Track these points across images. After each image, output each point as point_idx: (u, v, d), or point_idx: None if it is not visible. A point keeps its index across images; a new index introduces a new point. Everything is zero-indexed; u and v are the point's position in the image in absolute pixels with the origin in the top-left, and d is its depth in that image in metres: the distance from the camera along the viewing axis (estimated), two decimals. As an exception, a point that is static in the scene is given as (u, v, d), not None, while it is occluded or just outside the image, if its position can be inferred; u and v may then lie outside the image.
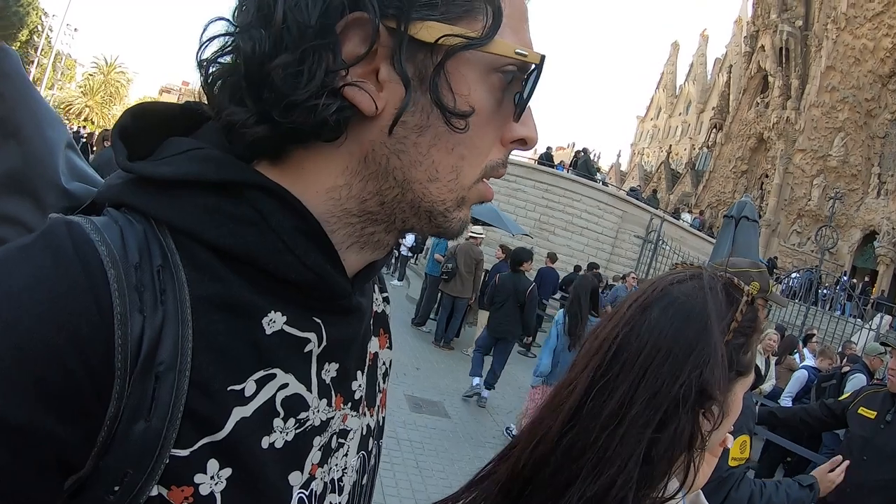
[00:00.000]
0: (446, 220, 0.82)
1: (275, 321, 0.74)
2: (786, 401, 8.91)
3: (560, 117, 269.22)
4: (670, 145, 73.92)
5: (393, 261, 25.39)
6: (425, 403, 9.19)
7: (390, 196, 0.78)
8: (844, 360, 10.14)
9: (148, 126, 0.79)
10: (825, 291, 26.12)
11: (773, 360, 10.12)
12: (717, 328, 1.11)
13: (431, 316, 14.94)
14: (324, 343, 0.81)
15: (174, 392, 0.64)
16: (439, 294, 14.20)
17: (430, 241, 27.89)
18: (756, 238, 6.95)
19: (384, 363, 1.08)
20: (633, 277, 16.74)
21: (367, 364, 0.98)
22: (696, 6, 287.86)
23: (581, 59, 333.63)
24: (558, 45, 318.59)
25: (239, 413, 0.70)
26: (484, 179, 0.85)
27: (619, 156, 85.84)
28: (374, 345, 1.02)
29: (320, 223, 0.76)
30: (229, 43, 0.73)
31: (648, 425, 1.03)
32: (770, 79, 47.71)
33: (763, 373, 9.31)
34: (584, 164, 26.45)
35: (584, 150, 27.70)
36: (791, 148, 43.43)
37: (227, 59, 0.73)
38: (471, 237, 13.96)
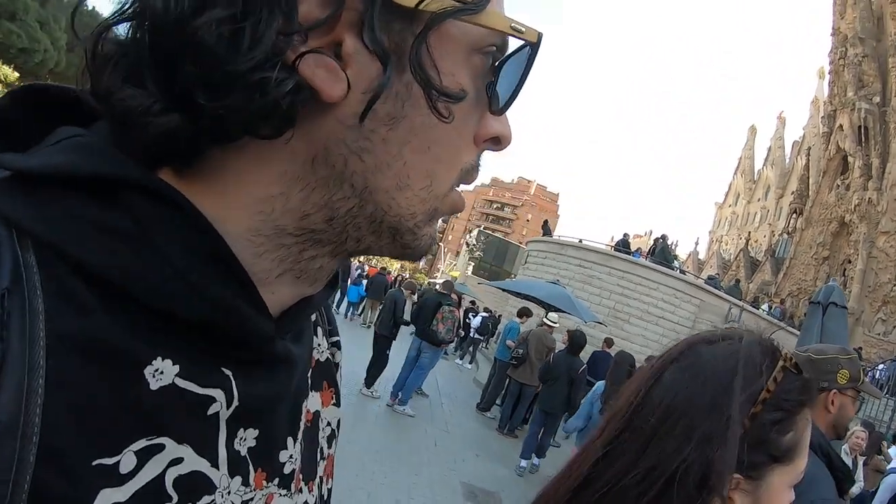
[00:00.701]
0: (414, 238, 0.66)
1: (163, 372, 0.54)
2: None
3: (637, 205, 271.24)
4: (749, 232, 72.11)
5: (463, 343, 25.59)
6: (481, 493, 8.95)
7: (343, 209, 0.60)
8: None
9: (37, 114, 0.59)
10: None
11: (860, 459, 9.40)
12: (738, 397, 0.96)
13: (498, 402, 14.70)
14: (235, 403, 0.60)
15: (14, 465, 0.43)
16: (507, 380, 13.98)
17: (501, 326, 28.13)
18: (845, 326, 6.50)
19: (329, 424, 0.88)
20: None
21: (301, 427, 0.76)
22: (773, 89, 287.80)
23: (659, 145, 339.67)
24: (637, 133, 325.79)
25: (109, 497, 0.50)
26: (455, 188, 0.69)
27: (696, 244, 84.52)
28: (313, 402, 0.82)
29: (239, 243, 0.57)
30: (128, 4, 0.54)
31: (639, 500, 0.93)
32: (850, 159, 45.66)
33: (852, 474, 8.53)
34: (661, 252, 26.29)
35: (663, 237, 27.39)
36: (874, 231, 41.36)
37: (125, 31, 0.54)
38: (545, 324, 13.78)
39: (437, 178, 0.63)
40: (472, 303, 33.41)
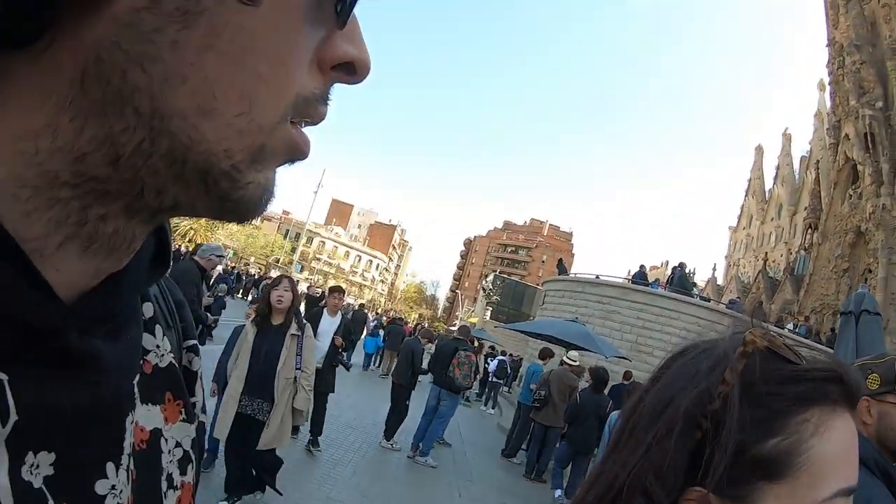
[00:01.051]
0: (235, 187, 0.46)
1: None
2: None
3: (652, 237, 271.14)
4: (766, 253, 71.33)
5: (481, 386, 25.36)
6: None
7: (130, 145, 0.41)
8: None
9: None
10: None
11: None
12: (689, 392, 0.82)
13: (523, 447, 14.40)
14: (13, 417, 0.40)
15: None
16: (532, 424, 13.75)
17: (523, 369, 28.00)
18: (881, 333, 5.97)
19: (179, 445, 0.65)
20: None
21: (132, 449, 0.54)
22: (776, 108, 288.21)
23: (669, 175, 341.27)
24: (646, 164, 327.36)
25: None
26: (295, 123, 0.49)
27: (714, 269, 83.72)
28: (148, 418, 0.59)
29: None
30: None
31: None
32: (859, 167, 45.04)
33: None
34: (679, 280, 26.00)
35: (680, 266, 27.02)
36: (892, 237, 40.64)
37: None
38: (565, 364, 13.64)
39: (259, 103, 0.44)
40: (492, 347, 33.21)
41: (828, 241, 48.45)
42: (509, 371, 26.16)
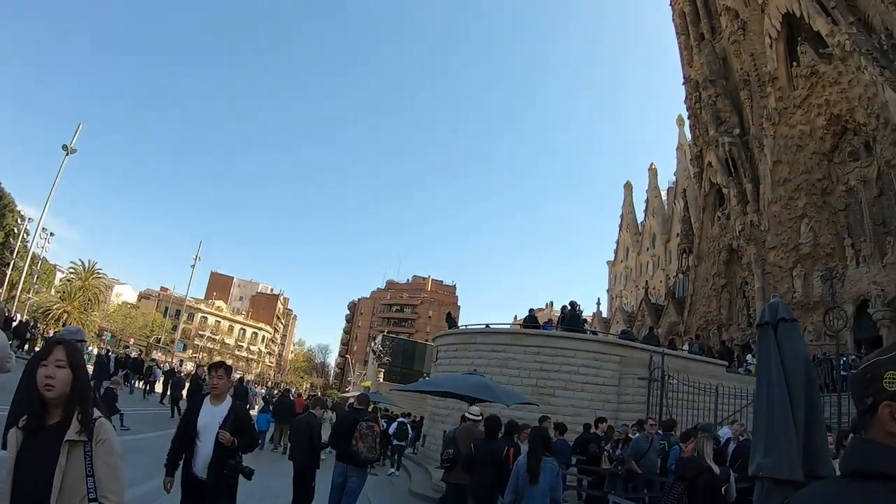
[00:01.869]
0: None
1: None
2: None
3: (534, 280, 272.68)
4: (646, 281, 73.57)
5: (386, 452, 24.21)
6: None
7: None
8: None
9: None
10: (844, 374, 24.98)
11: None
12: None
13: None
14: None
15: None
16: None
17: (426, 428, 26.92)
18: (800, 337, 5.92)
19: None
20: (651, 424, 15.06)
21: None
22: (640, 146, 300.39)
23: (543, 219, 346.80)
24: (519, 211, 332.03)
25: None
26: None
27: (598, 304, 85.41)
28: None
29: None
30: None
31: None
32: (725, 190, 48.11)
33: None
34: (571, 319, 25.75)
35: (571, 304, 26.82)
36: (762, 249, 43.34)
37: None
38: (468, 418, 13.04)
39: None
40: (387, 410, 32.06)
41: (703, 262, 50.90)
42: (410, 432, 25.14)
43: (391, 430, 23.77)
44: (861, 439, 1.72)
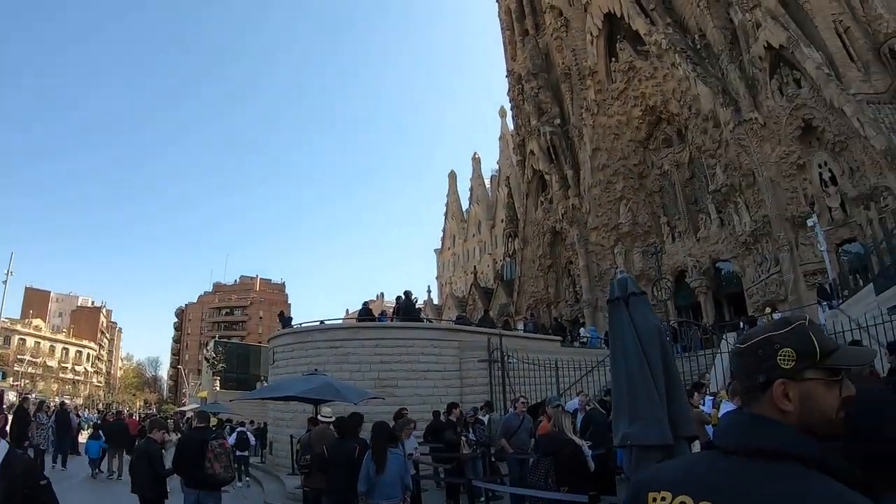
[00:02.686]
0: None
1: None
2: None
3: (363, 271, 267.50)
4: (474, 266, 74.79)
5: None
6: None
7: None
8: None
9: None
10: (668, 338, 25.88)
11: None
12: None
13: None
14: None
15: None
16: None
17: (270, 435, 25.23)
18: (651, 309, 5.89)
19: None
20: (523, 402, 14.37)
21: None
22: (464, 136, 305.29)
23: (368, 210, 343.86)
24: (342, 206, 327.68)
25: None
26: None
27: (429, 291, 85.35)
28: None
29: None
30: None
31: None
32: (547, 177, 49.99)
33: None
34: (407, 309, 24.97)
35: (406, 294, 26.08)
36: (584, 230, 45.46)
37: None
38: (321, 421, 12.45)
39: None
40: (228, 420, 29.97)
41: (529, 245, 52.62)
42: (252, 440, 23.31)
43: (231, 441, 21.93)
44: (759, 416, 1.64)
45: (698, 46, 40.18)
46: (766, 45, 34.95)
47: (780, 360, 1.65)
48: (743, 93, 35.61)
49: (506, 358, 21.46)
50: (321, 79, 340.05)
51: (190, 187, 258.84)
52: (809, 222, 30.09)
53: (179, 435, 23.85)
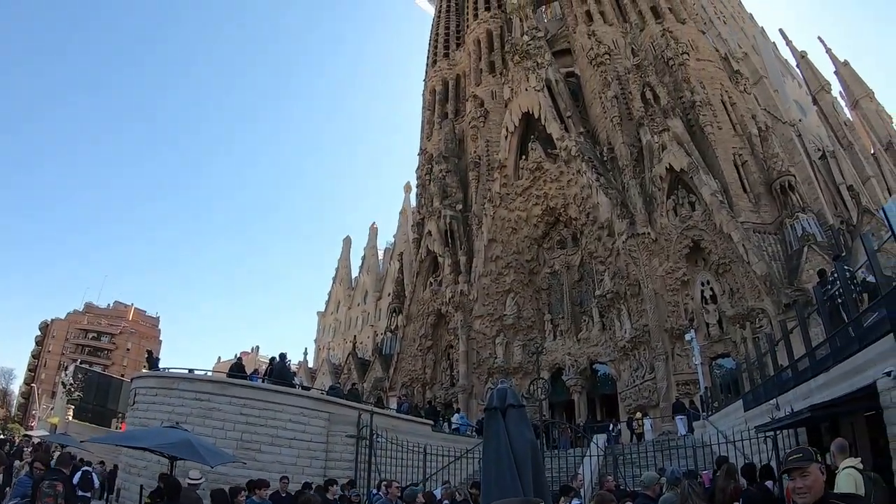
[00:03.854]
0: None
1: None
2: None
3: (240, 322, 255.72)
4: (354, 335, 72.86)
5: None
6: None
7: None
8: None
9: None
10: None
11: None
12: None
13: None
14: None
15: None
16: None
17: (119, 481, 22.53)
18: (527, 421, 5.78)
19: None
20: (397, 487, 12.90)
21: None
22: (365, 203, 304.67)
23: (256, 261, 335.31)
24: (232, 251, 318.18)
25: None
26: None
27: (305, 353, 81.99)
28: None
29: None
30: None
31: None
32: (440, 259, 49.33)
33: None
34: (280, 371, 23.32)
35: (281, 356, 24.59)
36: (469, 316, 44.85)
37: None
38: (189, 483, 11.43)
39: None
40: (74, 457, 26.68)
41: (412, 323, 51.09)
42: (96, 482, 20.50)
43: (75, 480, 19.18)
44: None
45: (605, 158, 41.61)
46: (668, 166, 36.69)
47: None
48: (640, 208, 36.83)
49: (375, 436, 20.54)
50: (224, 111, 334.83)
51: (75, 203, 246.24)
52: (687, 336, 31.27)
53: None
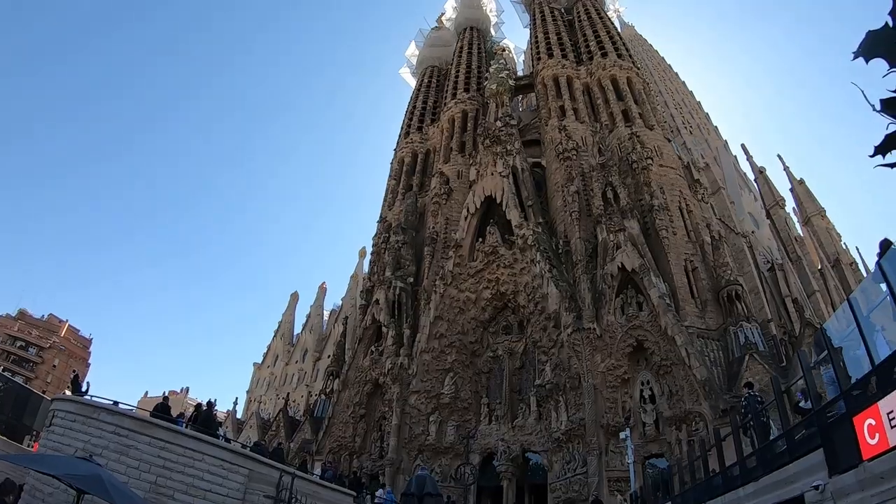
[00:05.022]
0: None
1: None
2: None
3: (171, 357, 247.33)
4: (288, 393, 70.85)
5: None
6: None
7: None
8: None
9: None
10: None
11: None
12: None
13: None
14: None
15: None
16: None
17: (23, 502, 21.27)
18: None
19: None
20: None
21: None
22: (317, 261, 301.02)
23: (194, 300, 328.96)
24: (177, 287, 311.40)
25: None
26: None
27: (235, 403, 79.45)
28: None
29: None
30: None
31: None
32: (384, 329, 48.89)
33: None
34: (206, 419, 22.56)
35: (209, 405, 23.91)
36: (406, 390, 44.29)
37: None
38: None
39: None
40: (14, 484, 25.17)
41: (348, 389, 49.92)
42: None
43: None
44: None
45: (560, 251, 42.33)
46: (620, 265, 37.38)
47: None
48: (588, 303, 37.22)
49: (294, 501, 19.92)
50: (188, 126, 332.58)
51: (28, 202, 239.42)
52: (622, 434, 30.87)
53: None
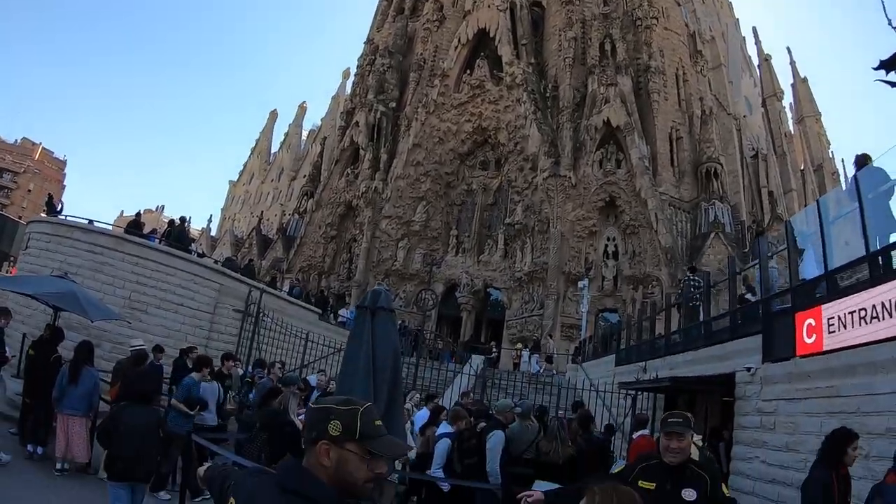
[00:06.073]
0: None
1: None
2: (437, 471, 8.98)
3: (147, 176, 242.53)
4: (262, 211, 71.61)
5: None
6: None
7: None
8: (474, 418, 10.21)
9: None
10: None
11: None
12: None
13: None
14: None
15: None
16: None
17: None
18: (394, 327, 6.34)
19: None
20: (279, 367, 13.52)
21: None
22: (298, 79, 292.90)
23: (175, 114, 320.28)
24: (145, 98, 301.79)
25: None
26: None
27: (209, 221, 79.32)
28: None
29: None
30: None
31: None
32: (361, 152, 49.00)
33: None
34: (178, 235, 22.99)
35: (181, 220, 24.27)
36: (378, 214, 45.23)
37: None
38: (133, 348, 11.67)
39: None
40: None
41: (321, 210, 50.80)
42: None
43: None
44: (298, 464, 2.03)
45: (548, 95, 41.69)
46: (606, 119, 37.22)
47: (330, 426, 2.00)
48: (568, 151, 37.35)
49: (262, 315, 20.42)
50: None
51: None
52: (581, 283, 32.35)
53: None
